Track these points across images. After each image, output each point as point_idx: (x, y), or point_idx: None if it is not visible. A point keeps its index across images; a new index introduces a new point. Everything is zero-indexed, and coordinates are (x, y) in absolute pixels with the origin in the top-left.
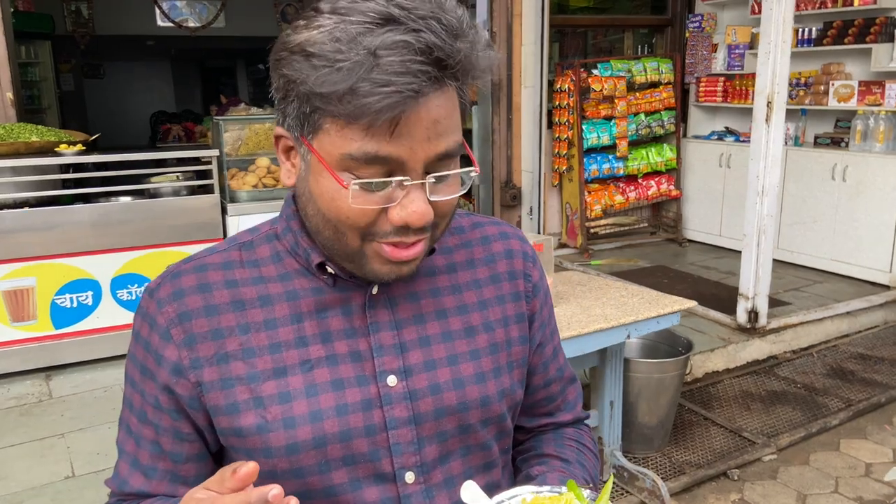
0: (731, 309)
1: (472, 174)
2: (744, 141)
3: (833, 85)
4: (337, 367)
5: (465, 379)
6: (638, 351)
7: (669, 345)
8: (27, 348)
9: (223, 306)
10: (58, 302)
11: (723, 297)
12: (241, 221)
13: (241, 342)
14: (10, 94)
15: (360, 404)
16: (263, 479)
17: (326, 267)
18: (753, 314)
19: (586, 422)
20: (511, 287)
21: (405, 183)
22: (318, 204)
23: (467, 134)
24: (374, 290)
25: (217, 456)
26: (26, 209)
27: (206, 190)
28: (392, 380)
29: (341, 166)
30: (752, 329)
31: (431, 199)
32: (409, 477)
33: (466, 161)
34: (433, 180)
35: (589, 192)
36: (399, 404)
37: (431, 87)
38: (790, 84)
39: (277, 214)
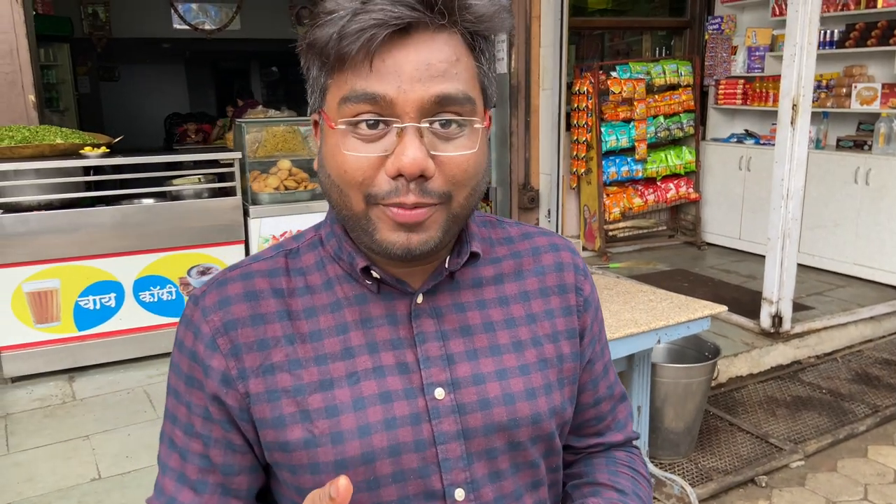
0: (753, 313)
1: (477, 125)
2: (764, 144)
3: (856, 87)
4: (384, 378)
5: (516, 395)
6: (664, 356)
7: (696, 349)
8: (51, 350)
9: (270, 315)
10: (81, 303)
11: (745, 301)
12: (263, 224)
13: (287, 353)
14: (32, 97)
15: (409, 418)
16: None
17: (371, 271)
18: (777, 318)
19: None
20: (561, 301)
21: (395, 125)
22: (326, 168)
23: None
24: (419, 300)
25: (267, 470)
26: (51, 211)
27: (228, 192)
28: (440, 392)
29: (341, 119)
30: (775, 334)
31: (433, 153)
32: (459, 494)
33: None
34: (426, 124)
35: (607, 195)
36: (447, 418)
37: (418, 22)
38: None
39: (321, 219)
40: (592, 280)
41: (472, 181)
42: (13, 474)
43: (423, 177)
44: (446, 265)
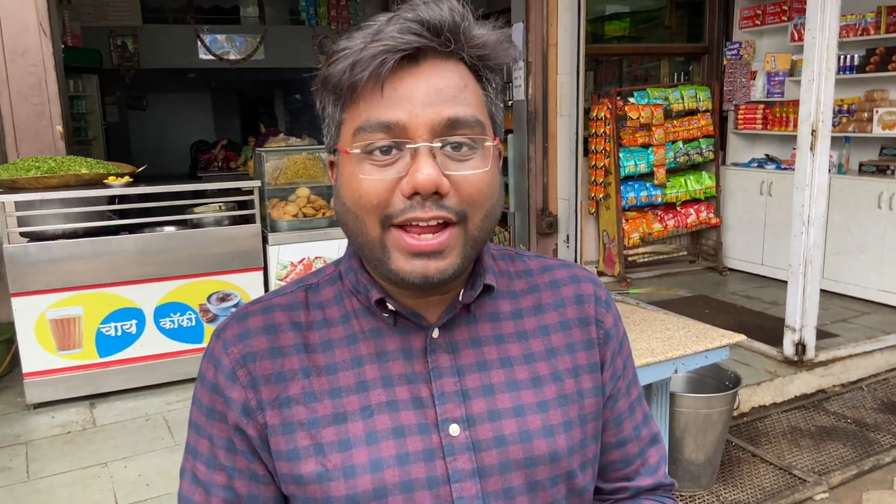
0: (776, 341)
1: (487, 143)
2: (785, 168)
3: (877, 112)
4: (398, 413)
5: (533, 432)
6: (683, 385)
7: (716, 378)
8: (72, 376)
9: (288, 349)
10: (103, 330)
11: (768, 328)
12: (282, 251)
13: (303, 386)
14: (60, 128)
15: (422, 454)
16: None
17: (387, 304)
18: (801, 346)
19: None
20: (582, 334)
21: (408, 146)
22: (342, 198)
23: (502, 162)
24: (435, 334)
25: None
26: (75, 240)
27: (248, 220)
28: (454, 429)
29: (355, 144)
30: (799, 362)
31: (446, 172)
32: None
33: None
34: (439, 145)
35: (626, 220)
36: (462, 455)
37: (427, 49)
38: (832, 111)
39: (337, 245)
40: (618, 314)
41: (487, 202)
42: (32, 502)
43: (438, 194)
44: (460, 298)
